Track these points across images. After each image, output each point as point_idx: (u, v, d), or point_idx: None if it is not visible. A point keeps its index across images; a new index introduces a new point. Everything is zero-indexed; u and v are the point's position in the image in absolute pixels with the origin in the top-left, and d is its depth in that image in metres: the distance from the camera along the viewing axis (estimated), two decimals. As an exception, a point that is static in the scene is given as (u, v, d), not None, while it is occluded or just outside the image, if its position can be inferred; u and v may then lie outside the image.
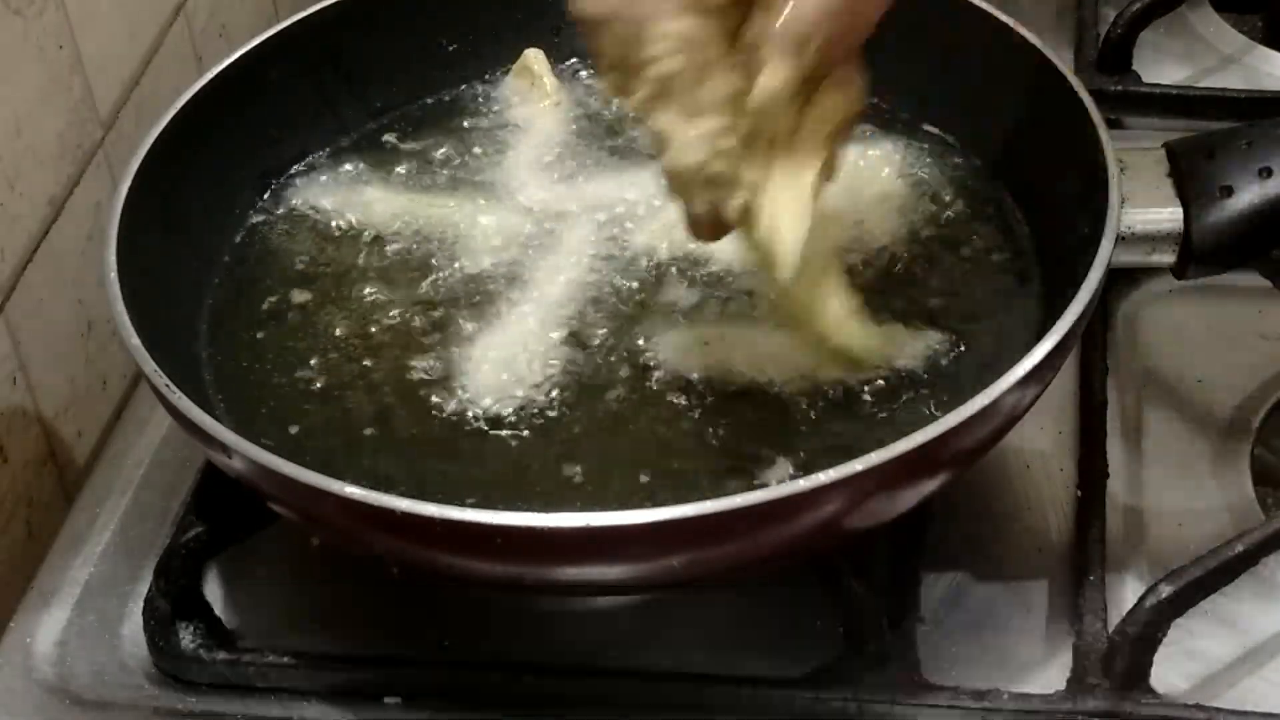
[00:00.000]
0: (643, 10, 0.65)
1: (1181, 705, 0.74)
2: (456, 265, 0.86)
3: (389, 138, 0.94)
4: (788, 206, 0.70)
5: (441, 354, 0.81)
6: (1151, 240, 0.78)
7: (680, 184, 0.69)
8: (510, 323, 0.82)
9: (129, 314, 0.74)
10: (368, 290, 0.85)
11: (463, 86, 0.96)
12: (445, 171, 0.92)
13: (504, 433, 0.77)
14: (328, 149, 0.93)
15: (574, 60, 0.97)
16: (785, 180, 0.69)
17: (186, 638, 0.78)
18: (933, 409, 0.76)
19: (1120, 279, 0.93)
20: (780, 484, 0.66)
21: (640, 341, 0.80)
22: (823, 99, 0.69)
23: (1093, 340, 0.89)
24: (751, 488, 0.69)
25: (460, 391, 0.79)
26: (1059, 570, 0.80)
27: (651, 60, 0.66)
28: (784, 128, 0.68)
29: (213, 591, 0.81)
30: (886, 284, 0.83)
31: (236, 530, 0.80)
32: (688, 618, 0.79)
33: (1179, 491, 0.84)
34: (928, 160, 0.89)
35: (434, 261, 0.86)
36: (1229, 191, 0.77)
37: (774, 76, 0.66)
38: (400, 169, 0.92)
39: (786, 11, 0.65)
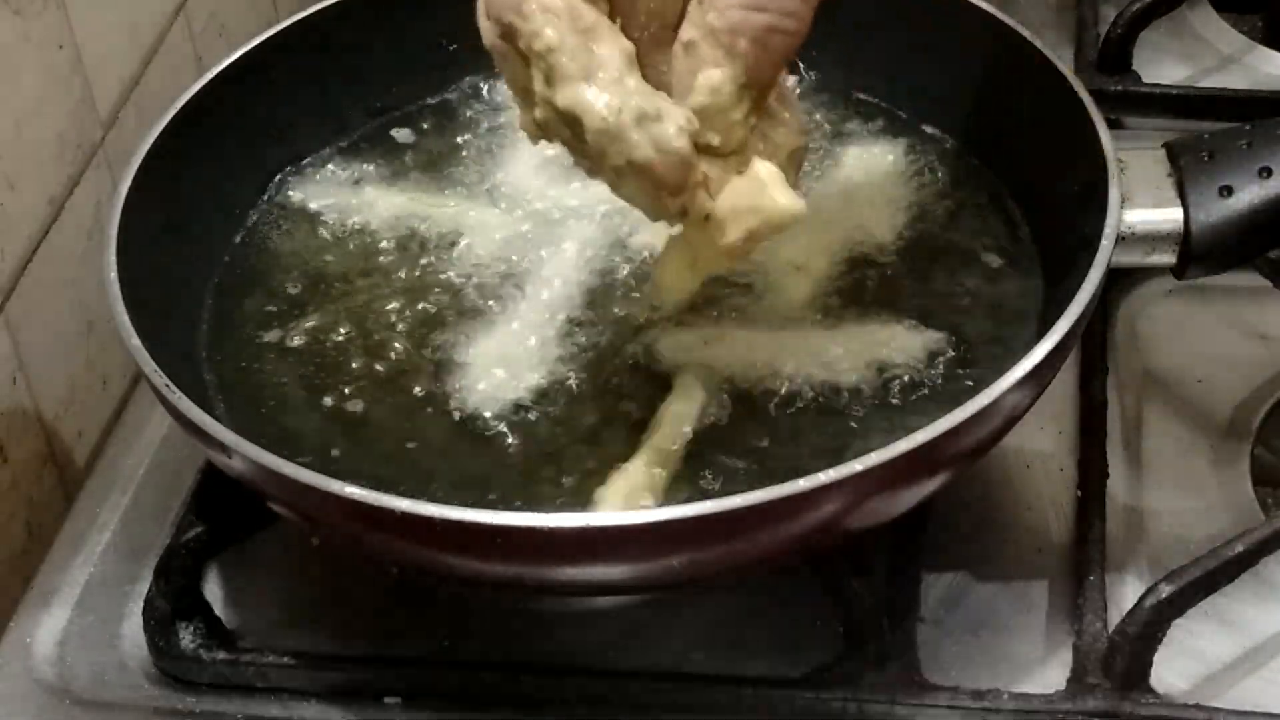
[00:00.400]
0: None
1: (1181, 705, 0.74)
2: (457, 265, 0.86)
3: (389, 138, 0.94)
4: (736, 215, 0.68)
5: (441, 353, 0.81)
6: (1151, 240, 0.78)
7: (609, 140, 0.65)
8: (510, 322, 0.82)
9: (129, 314, 0.74)
10: (367, 290, 0.85)
11: (463, 86, 0.96)
12: (445, 171, 0.92)
13: (504, 432, 0.77)
14: (328, 149, 0.93)
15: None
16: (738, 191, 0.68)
17: (186, 638, 0.78)
18: (932, 409, 0.76)
19: (1120, 279, 0.93)
20: (780, 484, 0.66)
21: (641, 339, 0.80)
22: (767, 131, 0.68)
23: (1093, 340, 0.89)
24: (752, 487, 0.68)
25: (460, 391, 0.79)
26: (1059, 570, 0.80)
27: (531, 38, 0.65)
28: (732, 138, 0.67)
29: (213, 591, 0.81)
30: (886, 284, 0.83)
31: (236, 530, 0.80)
32: (688, 618, 0.79)
33: (1179, 491, 0.84)
34: (928, 160, 0.89)
35: (434, 261, 0.86)
36: (1229, 191, 0.77)
37: (714, 74, 0.65)
38: (400, 169, 0.92)
39: (719, 4, 0.64)
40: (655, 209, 0.68)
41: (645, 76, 0.66)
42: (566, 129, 0.67)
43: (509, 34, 0.65)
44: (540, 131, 0.69)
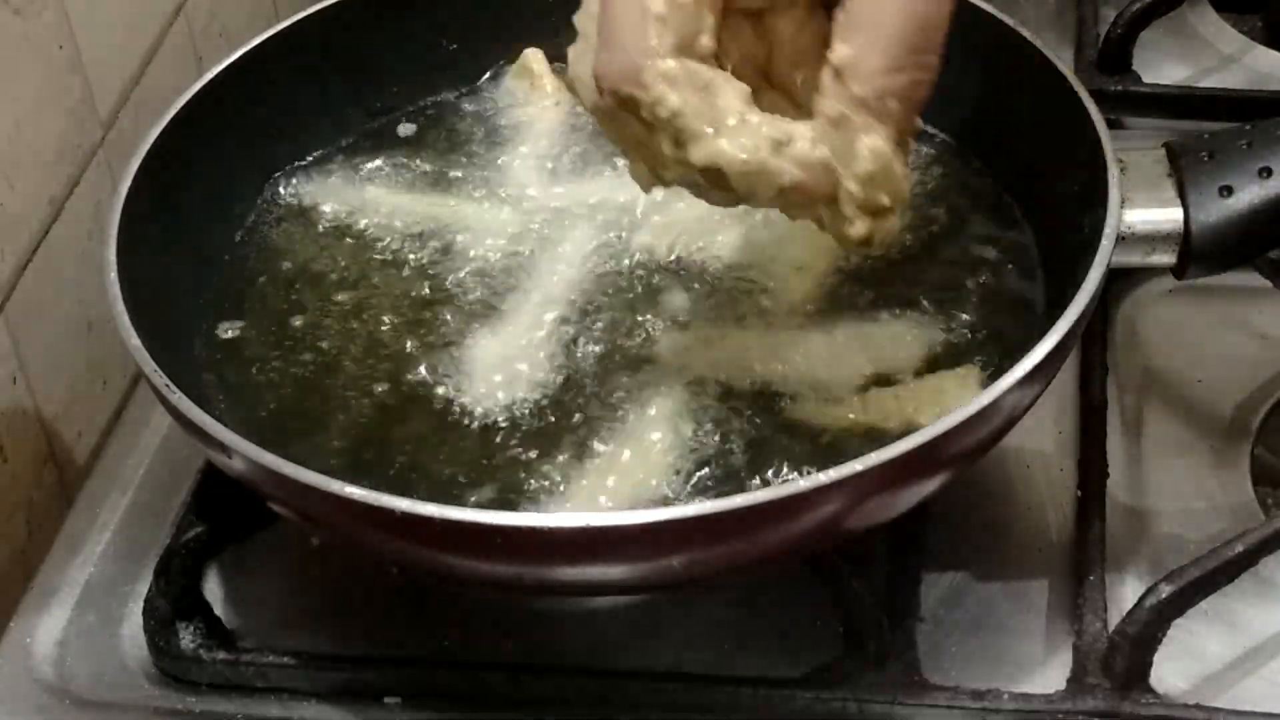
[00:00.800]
0: (633, 63, 0.65)
1: (1181, 705, 0.74)
2: (456, 265, 0.86)
3: (389, 137, 0.94)
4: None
5: (441, 353, 0.81)
6: (1151, 240, 0.78)
7: (756, 178, 0.67)
8: (510, 322, 0.82)
9: (129, 314, 0.74)
10: (367, 289, 0.85)
11: (463, 86, 0.96)
12: (445, 171, 0.92)
13: (504, 432, 0.77)
14: (328, 149, 0.93)
15: (574, 60, 0.97)
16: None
17: (186, 638, 0.78)
18: (933, 409, 0.76)
19: (1120, 279, 0.93)
20: (780, 484, 0.66)
21: (641, 341, 0.80)
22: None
23: (1093, 340, 0.89)
24: (752, 487, 0.69)
25: (460, 391, 0.79)
26: (1059, 570, 0.80)
27: (654, 104, 0.65)
28: (899, 192, 0.68)
29: (213, 591, 0.81)
30: (886, 284, 0.83)
31: (236, 530, 0.80)
32: (688, 618, 0.79)
33: (1179, 491, 0.84)
34: (928, 160, 0.89)
35: (434, 261, 0.86)
36: (1229, 191, 0.77)
37: (875, 142, 0.66)
38: (400, 168, 0.92)
39: (860, 71, 0.65)
40: (816, 218, 0.69)
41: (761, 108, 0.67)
42: (704, 180, 0.68)
43: (628, 104, 0.66)
44: (658, 182, 0.70)
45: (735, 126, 0.66)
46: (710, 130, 0.66)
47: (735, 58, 0.69)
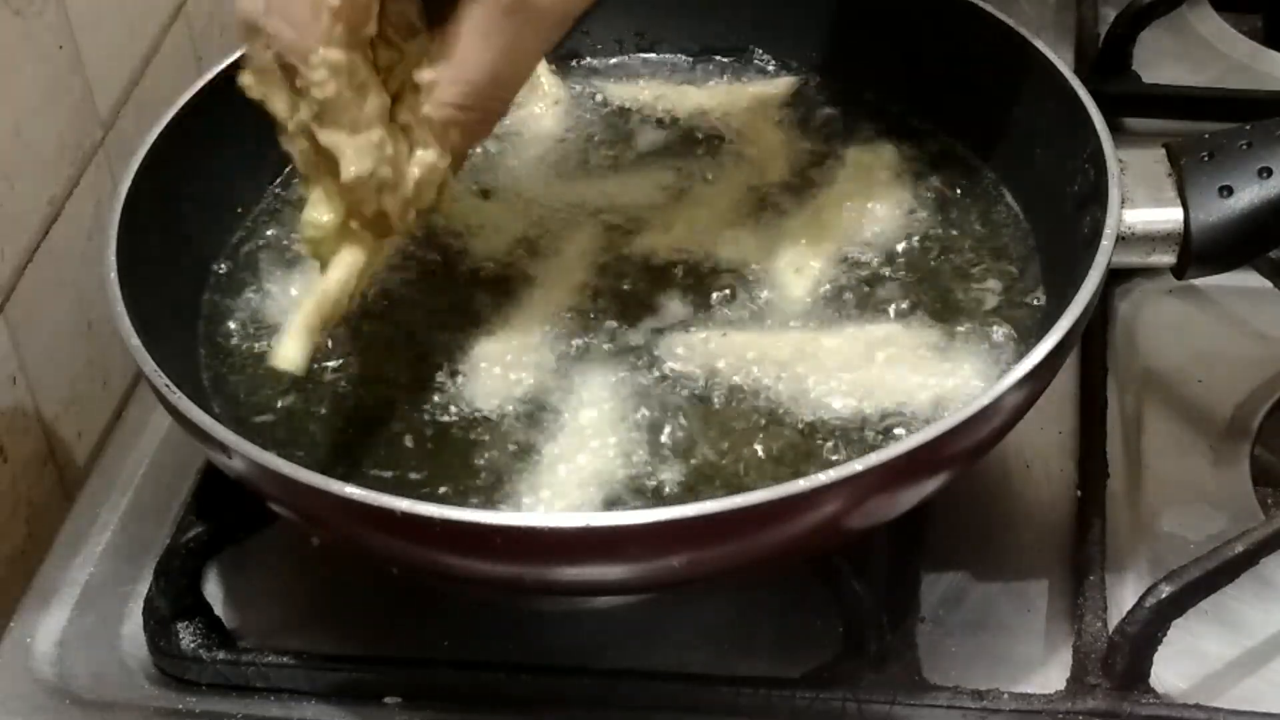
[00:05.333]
0: (298, 39, 0.69)
1: (1181, 705, 0.74)
2: (456, 265, 0.86)
3: (389, 138, 0.94)
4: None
5: (441, 354, 0.81)
6: (1151, 240, 0.78)
7: (355, 194, 0.72)
8: (511, 323, 0.82)
9: (129, 314, 0.74)
10: (366, 290, 0.85)
11: (463, 86, 0.96)
12: (445, 171, 0.92)
13: (504, 431, 0.77)
14: (328, 149, 0.93)
15: (574, 60, 0.97)
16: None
17: (186, 638, 0.78)
18: (933, 409, 0.76)
19: (1120, 279, 0.93)
20: (780, 484, 0.66)
21: (641, 341, 0.80)
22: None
23: (1093, 340, 0.89)
24: (753, 488, 0.68)
25: (460, 392, 0.79)
26: (1059, 570, 0.80)
27: (310, 85, 0.70)
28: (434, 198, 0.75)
29: (213, 591, 0.81)
30: (885, 284, 0.83)
31: (236, 530, 0.80)
32: (688, 618, 0.79)
33: (1179, 491, 0.84)
34: (927, 160, 0.89)
35: (433, 261, 0.86)
36: (1229, 191, 0.77)
37: (428, 158, 0.72)
38: (400, 169, 0.92)
39: (435, 97, 0.71)
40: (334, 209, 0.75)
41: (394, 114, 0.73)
42: (312, 148, 0.73)
43: (286, 70, 0.70)
44: (268, 103, 0.74)
45: (364, 142, 0.71)
46: (348, 129, 0.71)
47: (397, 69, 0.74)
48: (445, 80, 0.71)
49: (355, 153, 0.71)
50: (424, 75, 0.71)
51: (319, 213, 0.73)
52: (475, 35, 0.70)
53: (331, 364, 0.81)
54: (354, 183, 0.71)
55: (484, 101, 0.72)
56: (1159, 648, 0.74)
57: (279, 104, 0.72)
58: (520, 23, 0.70)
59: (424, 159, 0.73)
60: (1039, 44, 0.84)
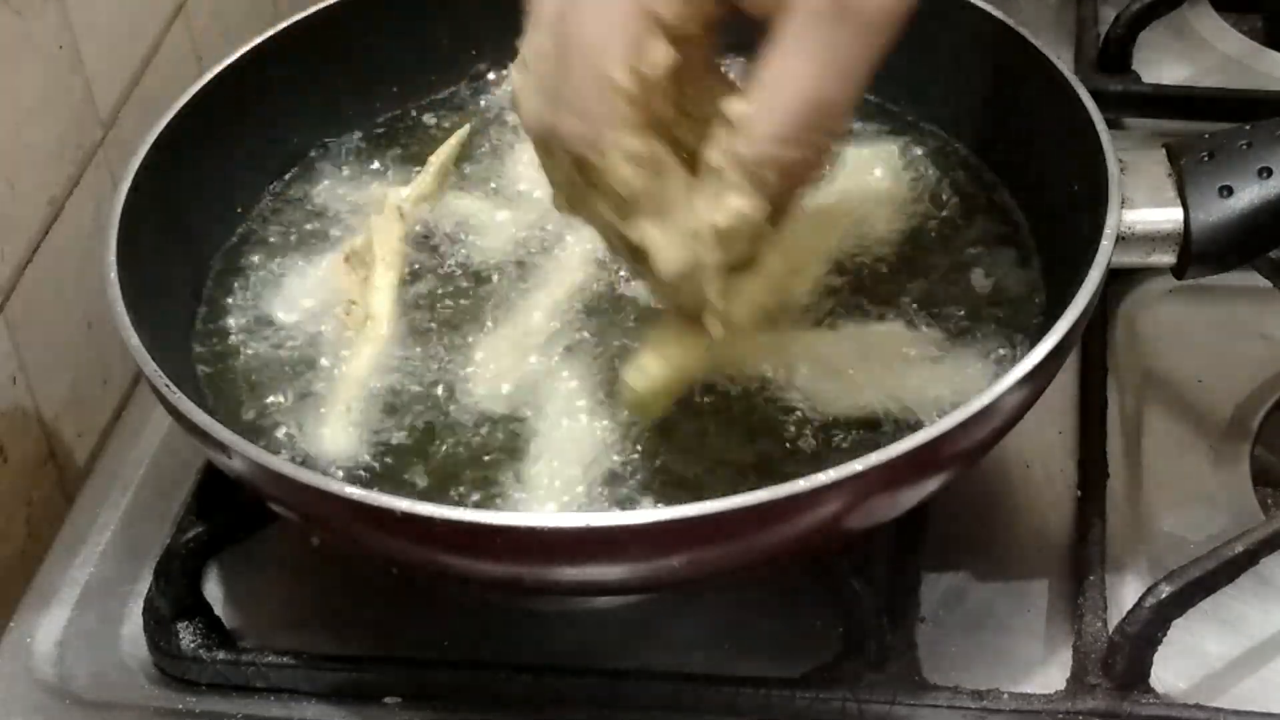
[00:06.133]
0: (591, 130, 0.64)
1: (1181, 705, 0.74)
2: (457, 265, 0.86)
3: (389, 137, 0.94)
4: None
5: (441, 354, 0.81)
6: (1151, 240, 0.78)
7: (674, 289, 0.68)
8: (511, 323, 0.82)
9: (129, 314, 0.74)
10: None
11: (465, 85, 0.96)
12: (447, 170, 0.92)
13: (504, 430, 0.77)
14: (328, 148, 0.93)
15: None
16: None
17: (186, 638, 0.78)
18: (932, 409, 0.76)
19: (1120, 279, 0.93)
20: (781, 484, 0.66)
21: (641, 341, 0.80)
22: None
23: (1093, 340, 0.89)
24: (753, 488, 0.69)
25: (461, 392, 0.79)
26: (1059, 570, 0.80)
27: (611, 179, 0.64)
28: (743, 256, 0.68)
29: (213, 591, 0.81)
30: (886, 283, 0.83)
31: (236, 530, 0.80)
32: (688, 618, 0.79)
33: (1179, 491, 0.84)
34: (928, 160, 0.89)
35: (434, 261, 0.86)
36: (1229, 191, 0.77)
37: (735, 204, 0.64)
38: (401, 168, 0.92)
39: (749, 132, 0.63)
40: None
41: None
42: (623, 247, 0.68)
43: (579, 163, 0.65)
44: (573, 214, 0.69)
45: (675, 234, 0.65)
46: (654, 217, 0.65)
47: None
48: (760, 111, 0.63)
49: (667, 245, 0.65)
50: (734, 108, 0.63)
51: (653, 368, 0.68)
52: (791, 54, 0.62)
53: (328, 363, 0.81)
54: (665, 281, 0.66)
55: (807, 133, 0.63)
56: (1159, 648, 0.74)
57: (594, 215, 0.67)
58: (842, 32, 0.62)
59: (730, 205, 0.64)
60: (1039, 44, 0.84)
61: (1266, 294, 0.87)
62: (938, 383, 0.77)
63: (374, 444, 0.77)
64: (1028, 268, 0.83)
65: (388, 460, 0.76)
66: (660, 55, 0.64)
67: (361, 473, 0.76)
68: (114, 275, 0.76)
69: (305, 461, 0.76)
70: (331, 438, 0.77)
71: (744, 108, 0.63)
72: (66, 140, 0.91)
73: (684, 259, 0.65)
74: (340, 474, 0.75)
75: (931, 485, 0.72)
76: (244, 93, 0.88)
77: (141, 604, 0.80)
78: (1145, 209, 0.77)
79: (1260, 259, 0.83)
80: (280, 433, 0.78)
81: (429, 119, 0.95)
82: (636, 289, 0.83)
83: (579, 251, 0.85)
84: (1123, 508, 0.83)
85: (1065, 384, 0.87)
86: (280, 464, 0.69)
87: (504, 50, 0.96)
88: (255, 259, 0.87)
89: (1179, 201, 0.77)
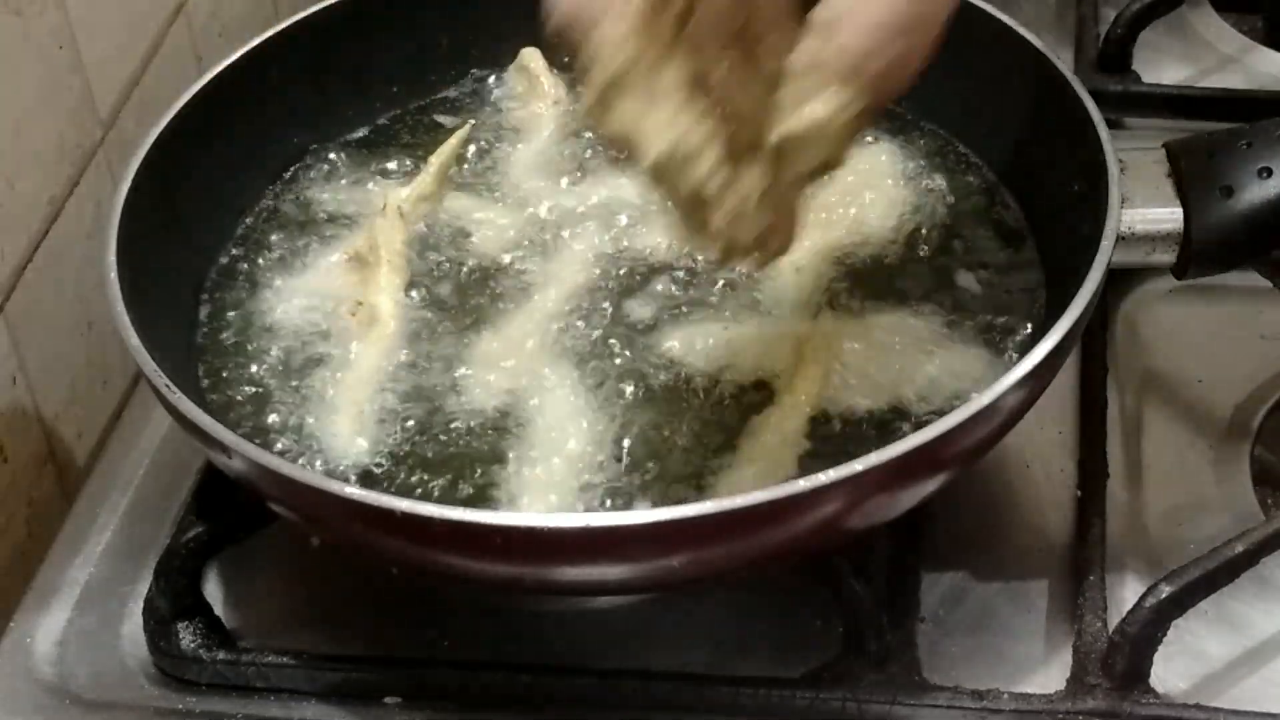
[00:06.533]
0: (590, 12, 0.65)
1: (1181, 705, 0.74)
2: (457, 265, 0.86)
3: (389, 137, 0.94)
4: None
5: (441, 355, 0.81)
6: (1151, 240, 0.78)
7: (662, 178, 0.67)
8: (511, 322, 0.82)
9: (129, 314, 0.74)
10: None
11: (464, 85, 0.96)
12: (447, 169, 0.91)
13: (504, 431, 0.77)
14: (328, 148, 0.93)
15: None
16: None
17: (186, 638, 0.78)
18: (933, 409, 0.76)
19: (1120, 279, 0.93)
20: (780, 484, 0.66)
21: (644, 339, 0.80)
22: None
23: (1093, 340, 0.89)
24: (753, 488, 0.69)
25: (461, 392, 0.79)
26: (1059, 570, 0.80)
27: (598, 58, 0.65)
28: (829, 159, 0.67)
29: (213, 591, 0.81)
30: (886, 283, 0.83)
31: (236, 530, 0.80)
32: (688, 618, 0.79)
33: (1179, 491, 0.84)
34: (928, 160, 0.89)
35: (434, 261, 0.86)
36: (1229, 191, 0.77)
37: (827, 105, 0.64)
38: (401, 168, 0.92)
39: (840, 39, 0.63)
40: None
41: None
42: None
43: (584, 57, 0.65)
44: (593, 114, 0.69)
45: (663, 117, 0.65)
46: (640, 103, 0.65)
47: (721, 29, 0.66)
48: (851, 20, 0.62)
49: (651, 130, 0.65)
50: (821, 14, 0.62)
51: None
52: None
53: (330, 364, 0.81)
54: (657, 168, 0.65)
55: (902, 37, 0.63)
56: (1159, 648, 0.74)
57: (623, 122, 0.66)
58: None
59: (811, 111, 0.63)
60: (1039, 44, 0.84)
61: (1266, 294, 0.87)
62: (935, 382, 0.77)
63: (375, 444, 0.77)
64: (1028, 267, 0.83)
65: (388, 460, 0.76)
66: None
67: (362, 472, 0.76)
68: (114, 275, 0.76)
69: (306, 462, 0.76)
70: (333, 437, 0.77)
71: (831, 13, 0.63)
72: (66, 140, 0.91)
73: (664, 143, 0.64)
74: (341, 474, 0.75)
75: (931, 485, 0.72)
76: (244, 93, 0.88)
77: (141, 604, 0.80)
78: (1145, 209, 0.77)
79: (1260, 259, 0.83)
80: (281, 433, 0.78)
81: (428, 119, 0.95)
82: (637, 288, 0.83)
83: (579, 252, 0.85)
84: (1123, 508, 0.83)
85: (1065, 384, 0.87)
86: (280, 464, 0.69)
87: (503, 51, 0.96)
88: (255, 259, 0.87)
89: (1179, 201, 0.78)
